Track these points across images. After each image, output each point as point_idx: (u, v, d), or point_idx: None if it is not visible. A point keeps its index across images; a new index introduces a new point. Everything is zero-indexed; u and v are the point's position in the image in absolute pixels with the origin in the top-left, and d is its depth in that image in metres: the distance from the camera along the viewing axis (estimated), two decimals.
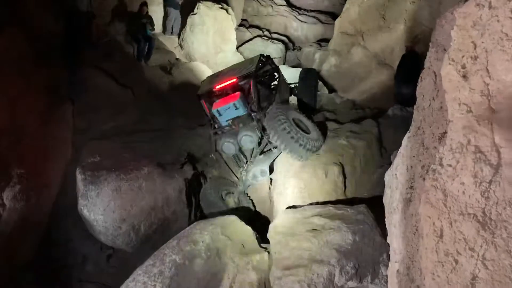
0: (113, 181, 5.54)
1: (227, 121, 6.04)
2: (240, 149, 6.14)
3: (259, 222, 5.85)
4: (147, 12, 9.95)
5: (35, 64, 6.17)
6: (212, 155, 6.40)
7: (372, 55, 11.57)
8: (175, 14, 11.62)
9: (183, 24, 11.87)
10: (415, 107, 2.64)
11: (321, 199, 5.42)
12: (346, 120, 7.49)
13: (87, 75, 7.48)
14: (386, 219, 3.05)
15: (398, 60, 9.07)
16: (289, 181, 5.68)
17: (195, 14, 11.78)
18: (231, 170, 6.38)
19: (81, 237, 5.77)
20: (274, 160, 6.15)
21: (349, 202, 5.31)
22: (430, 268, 1.74)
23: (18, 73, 5.74)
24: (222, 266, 4.35)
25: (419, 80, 2.57)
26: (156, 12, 11.35)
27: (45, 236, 5.76)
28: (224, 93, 6.19)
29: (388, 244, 2.89)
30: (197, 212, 6.20)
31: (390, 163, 3.15)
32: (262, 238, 4.86)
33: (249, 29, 14.69)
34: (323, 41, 14.33)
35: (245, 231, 4.91)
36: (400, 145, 2.85)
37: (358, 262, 3.97)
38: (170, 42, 11.64)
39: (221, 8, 12.29)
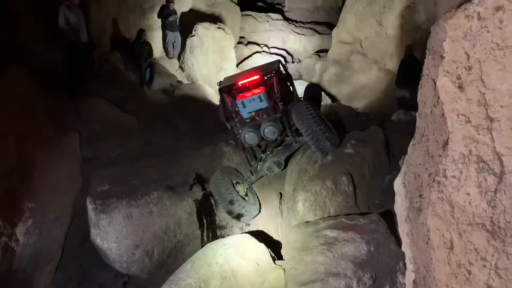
0: (123, 208, 5.56)
1: (249, 113, 6.24)
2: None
3: (271, 238, 5.82)
4: (146, 38, 10.10)
5: (40, 98, 6.29)
6: (231, 141, 6.65)
7: (371, 61, 11.62)
8: (174, 36, 11.79)
9: (183, 46, 12.03)
10: (417, 114, 2.64)
11: (332, 211, 5.39)
12: (351, 129, 7.47)
13: (91, 104, 7.57)
14: (398, 228, 3.02)
15: (397, 65, 9.10)
16: (299, 194, 5.65)
17: (193, 36, 11.94)
18: (247, 159, 6.50)
19: (96, 266, 5.77)
20: (291, 154, 6.39)
21: (361, 211, 5.28)
22: (444, 281, 1.73)
23: (24, 108, 5.84)
24: (238, 286, 4.32)
25: (419, 87, 2.58)
26: (156, 36, 11.53)
27: (60, 268, 5.77)
28: (246, 88, 6.44)
29: (404, 252, 2.87)
30: (209, 232, 6.19)
31: (399, 169, 3.14)
32: (276, 254, 4.83)
33: (247, 45, 14.86)
34: (322, 52, 14.44)
35: (259, 249, 4.89)
36: (406, 151, 2.85)
37: (375, 272, 3.93)
38: (171, 65, 11.78)
39: (219, 28, 12.44)
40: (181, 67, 12.10)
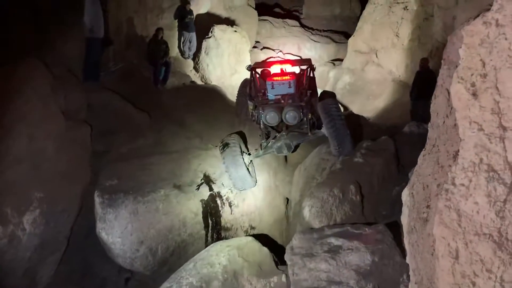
0: (130, 203, 5.60)
1: (275, 95, 6.57)
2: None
3: (276, 243, 5.80)
4: (162, 36, 10.17)
5: (53, 89, 6.35)
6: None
7: (386, 72, 11.56)
8: (190, 37, 11.85)
9: (199, 47, 12.09)
10: (429, 124, 2.62)
11: (338, 219, 5.36)
12: (361, 138, 7.43)
13: (104, 99, 7.63)
14: (404, 239, 3.00)
15: (413, 77, 9.04)
16: (306, 201, 5.64)
17: (210, 37, 12.01)
18: (261, 135, 6.76)
19: (100, 260, 5.80)
20: (302, 142, 6.81)
21: (367, 221, 5.23)
22: None
23: (38, 98, 5.91)
24: None
25: (432, 98, 2.56)
26: (173, 36, 11.61)
27: (64, 259, 5.81)
28: (278, 72, 6.96)
29: (408, 264, 2.83)
30: (214, 233, 6.19)
31: (407, 181, 3.12)
32: (279, 259, 4.81)
33: (263, 50, 14.89)
34: (337, 61, 14.42)
35: (262, 253, 4.88)
36: (416, 162, 2.82)
37: (377, 283, 3.89)
38: (185, 65, 11.85)
39: (235, 31, 12.49)
40: (195, 68, 12.17)
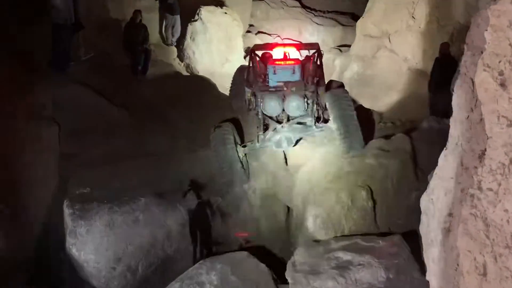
0: (105, 214, 5.58)
1: (277, 81, 6.67)
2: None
3: (275, 258, 5.80)
4: (141, 20, 10.14)
5: (16, 83, 6.31)
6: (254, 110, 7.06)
7: (401, 59, 11.58)
8: (173, 20, 11.82)
9: (183, 32, 12.06)
10: (451, 119, 2.62)
11: (347, 230, 5.37)
12: (373, 136, 7.44)
13: (74, 93, 7.59)
14: (423, 252, 3.00)
15: (431, 65, 9.06)
16: (309, 209, 5.66)
17: (196, 20, 11.98)
18: (258, 127, 6.82)
19: (70, 281, 5.76)
20: (304, 137, 6.87)
21: (381, 231, 5.26)
22: None
23: None
24: None
25: (455, 88, 2.56)
26: (153, 19, 11.57)
27: (29, 280, 5.77)
28: (281, 56, 7.09)
29: (428, 281, 2.84)
30: (204, 248, 6.18)
31: (426, 185, 3.13)
32: (280, 277, 4.81)
33: (257, 35, 14.87)
34: (343, 46, 14.42)
35: (259, 270, 4.88)
36: (437, 163, 2.83)
37: None
38: (168, 53, 11.82)
39: (226, 12, 12.47)
40: (180, 56, 12.15)
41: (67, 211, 5.63)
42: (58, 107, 7.16)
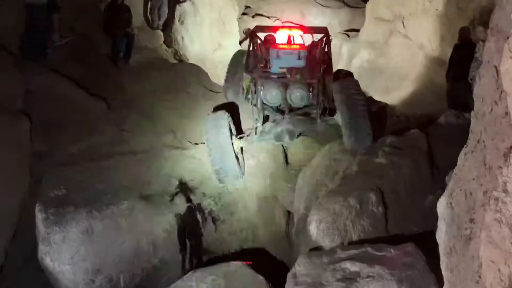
0: (83, 220, 5.56)
1: (280, 68, 6.77)
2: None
3: (274, 269, 5.80)
4: (123, 0, 10.11)
5: None
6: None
7: (415, 46, 11.60)
8: (159, 1, 11.81)
9: (171, 15, 12.04)
10: (473, 113, 2.63)
11: (355, 237, 5.38)
12: (384, 132, 7.46)
13: (47, 83, 7.58)
14: (441, 263, 3.01)
15: (450, 52, 9.08)
16: (312, 214, 5.65)
17: (185, 1, 11.97)
18: (257, 118, 6.90)
19: None
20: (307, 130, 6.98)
21: (393, 239, 5.26)
22: None
23: None
24: None
25: (477, 78, 2.56)
26: (137, 0, 11.55)
27: None
28: (286, 40, 7.25)
29: None
30: (193, 258, 6.18)
31: (444, 187, 3.13)
32: None
33: (255, 18, 14.88)
34: (351, 31, 14.45)
35: (256, 282, 4.88)
36: (456, 163, 2.83)
37: None
38: (154, 38, 11.81)
39: None
40: (167, 41, 12.13)
41: (39, 215, 5.61)
42: (30, 98, 7.14)
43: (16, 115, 6.73)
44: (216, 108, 7.11)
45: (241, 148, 6.97)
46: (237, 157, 6.64)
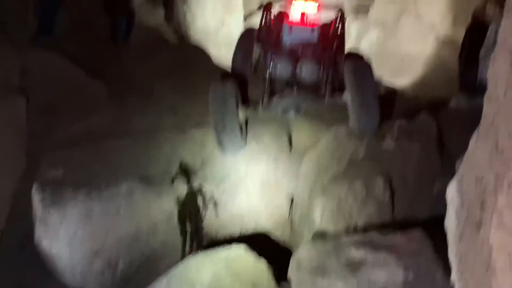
0: (81, 202, 5.59)
1: (292, 42, 6.87)
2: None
3: (276, 254, 5.83)
4: None
5: None
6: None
7: (427, 26, 11.50)
8: None
9: None
10: (485, 96, 2.62)
11: (360, 223, 5.39)
12: (393, 115, 7.43)
13: (45, 61, 7.57)
14: (449, 250, 3.02)
15: (463, 33, 9.01)
16: (317, 199, 5.67)
17: None
18: (265, 91, 6.95)
19: (40, 278, 5.80)
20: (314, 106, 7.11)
21: (399, 226, 5.27)
22: None
23: None
24: None
25: (490, 60, 2.55)
26: None
27: None
28: (299, 15, 7.19)
29: (453, 283, 2.86)
30: (194, 242, 6.21)
31: (454, 173, 3.13)
32: (282, 276, 4.85)
33: None
34: (360, 8, 14.29)
35: (258, 268, 4.91)
36: (467, 148, 2.83)
37: None
38: (153, 16, 11.72)
39: None
40: (168, 19, 12.05)
41: (36, 197, 5.64)
42: (27, 77, 7.14)
43: (12, 94, 6.72)
44: (224, 75, 7.13)
45: (246, 119, 7.10)
46: (240, 127, 6.75)
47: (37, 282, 5.84)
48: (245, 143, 6.97)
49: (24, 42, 7.65)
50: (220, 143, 6.65)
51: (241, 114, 6.79)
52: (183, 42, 11.41)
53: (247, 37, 7.88)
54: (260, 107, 6.89)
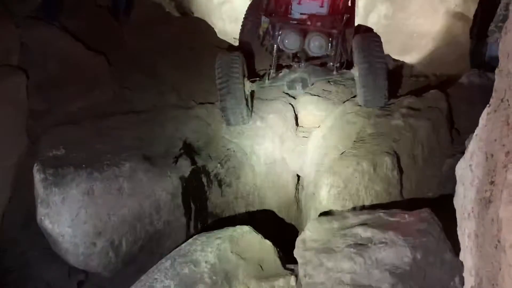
0: (83, 181, 5.59)
1: (301, 14, 6.90)
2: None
3: (282, 234, 5.86)
4: None
5: None
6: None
7: (438, 0, 11.41)
8: None
9: None
10: (497, 71, 2.60)
11: (367, 202, 5.40)
12: (402, 92, 7.40)
13: (46, 37, 7.54)
14: (458, 228, 3.02)
15: (474, 7, 8.93)
16: (323, 178, 5.67)
17: None
18: (272, 65, 7.00)
19: (42, 258, 5.85)
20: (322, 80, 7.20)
21: (407, 205, 5.28)
22: None
23: None
24: None
25: (502, 34, 2.53)
26: None
27: None
28: None
29: (462, 262, 2.87)
30: (198, 221, 6.24)
31: (463, 151, 3.13)
32: (287, 256, 4.87)
33: None
34: None
35: (264, 247, 4.93)
36: (477, 126, 2.81)
37: None
38: None
39: None
40: None
41: (38, 176, 5.64)
42: (27, 53, 7.11)
43: (11, 71, 6.71)
44: (230, 48, 7.14)
45: (252, 92, 7.07)
46: (246, 100, 6.74)
47: (40, 262, 5.90)
48: (250, 117, 7.00)
49: (24, 17, 7.59)
50: (224, 114, 6.70)
51: (248, 86, 6.77)
52: (186, 16, 11.35)
53: (255, 9, 7.87)
54: (267, 80, 6.90)
